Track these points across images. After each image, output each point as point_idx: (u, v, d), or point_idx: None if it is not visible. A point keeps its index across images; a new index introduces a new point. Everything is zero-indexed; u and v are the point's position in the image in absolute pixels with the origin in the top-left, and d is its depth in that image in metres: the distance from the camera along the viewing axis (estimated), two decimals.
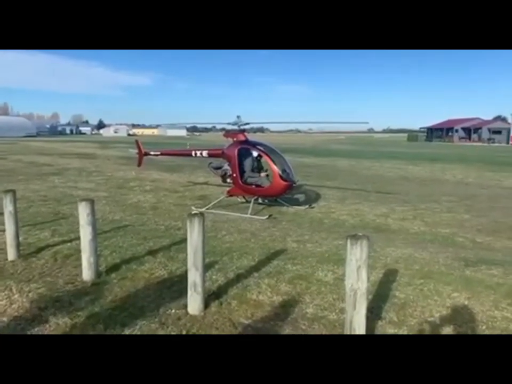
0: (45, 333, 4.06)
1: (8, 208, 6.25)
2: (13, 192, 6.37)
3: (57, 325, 4.22)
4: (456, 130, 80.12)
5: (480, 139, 73.53)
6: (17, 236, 6.31)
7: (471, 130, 78.50)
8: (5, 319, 4.37)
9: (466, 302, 4.81)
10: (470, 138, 76.87)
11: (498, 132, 72.99)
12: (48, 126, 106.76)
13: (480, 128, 76.43)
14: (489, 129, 74.63)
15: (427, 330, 4.19)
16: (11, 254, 6.22)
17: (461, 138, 77.78)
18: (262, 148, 10.47)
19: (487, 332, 4.15)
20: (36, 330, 4.11)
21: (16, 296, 4.92)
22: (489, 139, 71.07)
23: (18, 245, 6.33)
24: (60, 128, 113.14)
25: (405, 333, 4.13)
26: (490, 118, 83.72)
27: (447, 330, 4.20)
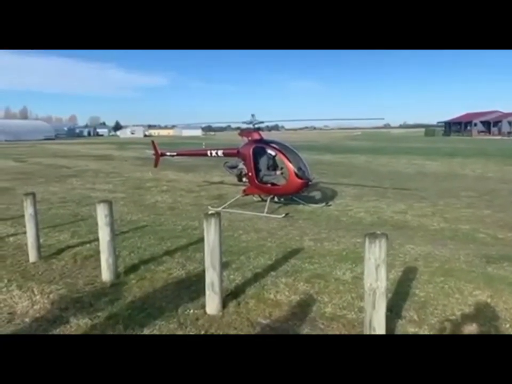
0: (66, 334, 4.12)
1: (29, 210, 6.36)
2: (33, 194, 6.48)
3: (77, 325, 4.28)
4: (475, 124, 78.30)
5: (500, 132, 71.77)
6: (37, 238, 6.43)
7: (490, 123, 76.64)
8: (27, 320, 4.46)
9: (488, 300, 4.71)
10: (489, 132, 75.11)
11: None
12: (66, 128, 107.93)
13: (500, 121, 74.58)
14: (509, 122, 72.72)
15: (448, 329, 4.12)
16: (32, 256, 6.34)
17: (480, 132, 76.00)
18: (277, 146, 10.43)
19: (511, 331, 4.06)
20: (57, 331, 4.17)
21: (37, 297, 5.02)
22: (509, 132, 69.29)
23: (39, 246, 6.45)
24: (77, 131, 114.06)
25: (426, 332, 4.06)
26: (511, 110, 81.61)
27: (469, 329, 4.11)
